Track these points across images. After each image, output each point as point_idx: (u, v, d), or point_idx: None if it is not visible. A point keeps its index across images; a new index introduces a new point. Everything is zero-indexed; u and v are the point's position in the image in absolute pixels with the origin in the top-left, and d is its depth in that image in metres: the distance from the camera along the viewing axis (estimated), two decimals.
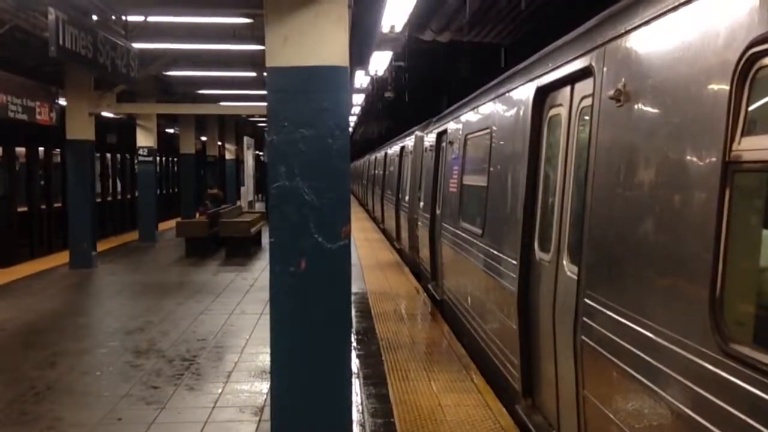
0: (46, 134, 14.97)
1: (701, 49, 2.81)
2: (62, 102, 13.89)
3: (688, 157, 2.85)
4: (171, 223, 20.11)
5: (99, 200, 18.54)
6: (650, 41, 3.31)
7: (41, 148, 17.82)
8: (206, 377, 6.57)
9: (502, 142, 6.32)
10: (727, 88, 2.57)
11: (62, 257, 14.14)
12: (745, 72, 2.51)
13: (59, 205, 17.80)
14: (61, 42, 7.89)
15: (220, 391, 6.16)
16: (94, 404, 5.85)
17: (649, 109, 3.28)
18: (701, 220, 2.70)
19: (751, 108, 2.52)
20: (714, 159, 2.63)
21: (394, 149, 18.52)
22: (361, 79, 16.08)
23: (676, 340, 2.81)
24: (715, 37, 2.71)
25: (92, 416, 5.56)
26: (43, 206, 17.93)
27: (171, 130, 26.57)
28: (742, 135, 2.52)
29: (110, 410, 5.68)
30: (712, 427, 2.52)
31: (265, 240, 15.42)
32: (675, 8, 3.04)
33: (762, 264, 2.58)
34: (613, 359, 3.38)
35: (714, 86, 2.69)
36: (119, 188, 23.84)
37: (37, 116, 12.75)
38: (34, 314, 9.42)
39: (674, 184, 2.97)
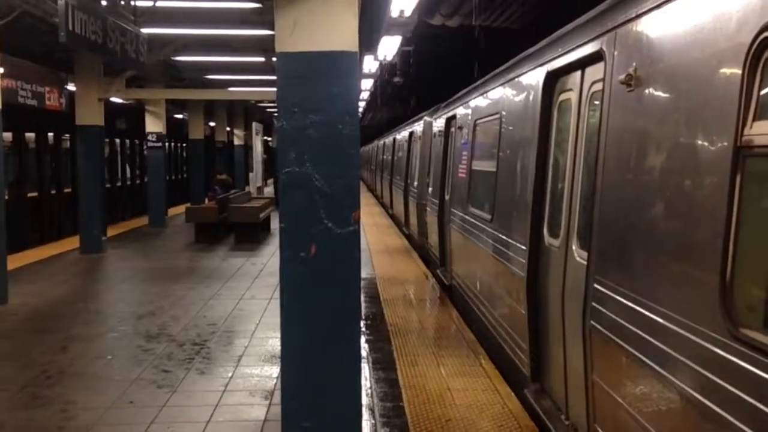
0: (56, 120, 15.02)
1: (713, 33, 2.79)
2: (72, 87, 13.92)
3: (700, 142, 2.84)
4: (180, 209, 20.19)
5: (108, 186, 18.65)
6: (661, 25, 3.29)
7: (51, 134, 17.91)
8: (216, 361, 6.62)
9: (511, 128, 6.31)
10: (739, 72, 2.55)
11: (72, 242, 14.23)
12: (757, 56, 2.49)
13: (69, 190, 17.91)
14: (71, 27, 7.90)
15: (230, 375, 6.20)
16: (106, 388, 5.91)
17: (661, 93, 3.26)
18: (712, 205, 2.69)
19: (763, 92, 2.51)
20: (725, 144, 2.62)
21: (402, 135, 18.49)
22: (370, 64, 16.03)
23: (686, 325, 2.81)
24: (727, 21, 2.69)
25: (104, 399, 5.62)
26: (54, 191, 18.05)
27: (180, 116, 26.61)
28: (754, 120, 2.51)
29: (122, 393, 5.74)
30: (721, 412, 2.53)
31: (274, 225, 15.47)
32: None
33: None
34: (623, 344, 3.39)
35: (726, 70, 2.68)
36: (128, 174, 23.95)
37: (47, 102, 12.80)
38: (45, 299, 9.50)
39: (685, 169, 2.96)
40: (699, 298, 2.74)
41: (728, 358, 2.50)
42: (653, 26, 3.37)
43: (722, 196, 2.61)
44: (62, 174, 18.64)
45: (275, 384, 5.87)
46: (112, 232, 16.01)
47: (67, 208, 17.50)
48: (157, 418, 5.23)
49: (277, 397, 5.31)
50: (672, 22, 3.17)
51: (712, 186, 2.72)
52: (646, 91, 3.36)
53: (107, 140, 18.76)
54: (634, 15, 3.56)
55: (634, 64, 3.48)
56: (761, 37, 2.46)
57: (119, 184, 22.85)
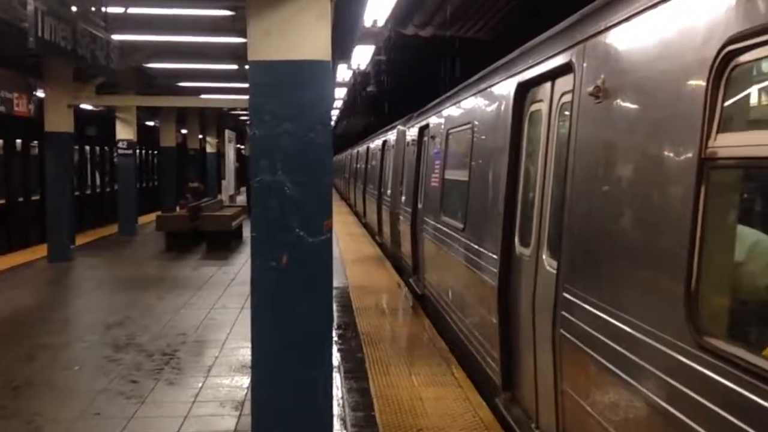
0: (25, 126, 14.81)
1: (679, 47, 2.85)
2: (41, 94, 13.74)
3: (665, 153, 2.89)
4: (151, 217, 19.98)
5: (78, 193, 18.41)
6: (629, 38, 3.34)
7: (19, 141, 17.64)
8: (186, 372, 6.55)
9: (483, 137, 6.35)
10: (704, 85, 2.61)
11: (40, 250, 14.00)
12: (721, 69, 2.55)
13: (38, 197, 17.63)
14: (40, 33, 7.80)
15: (200, 385, 6.14)
16: (73, 399, 5.82)
17: (628, 105, 3.32)
18: (677, 216, 2.74)
19: (726, 105, 2.56)
20: (690, 155, 2.67)
21: (376, 143, 18.52)
22: (343, 73, 16.07)
23: (652, 333, 2.85)
24: (693, 35, 2.74)
25: (71, 411, 5.53)
26: (21, 199, 17.76)
27: (151, 123, 26.37)
28: (718, 132, 2.56)
29: (89, 405, 5.66)
30: (687, 420, 2.57)
31: (247, 234, 15.36)
32: (654, 6, 3.08)
33: (736, 259, 2.63)
34: (591, 353, 3.42)
35: (691, 83, 2.73)
36: (98, 181, 23.65)
37: (15, 108, 12.62)
38: (11, 308, 9.33)
39: (651, 180, 3.01)
40: (665, 307, 2.78)
41: (693, 367, 2.54)
42: (621, 39, 3.43)
43: (687, 206, 2.65)
44: (31, 181, 18.36)
45: (246, 394, 5.82)
46: (81, 240, 15.78)
47: (36, 215, 17.21)
48: (124, 429, 5.16)
49: (248, 408, 5.27)
50: (639, 36, 3.23)
51: (678, 197, 2.76)
52: (614, 102, 3.42)
53: (77, 147, 18.52)
54: (602, 28, 3.62)
55: (602, 76, 3.54)
56: (725, 50, 2.51)
57: (89, 191, 22.56)
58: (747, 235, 2.69)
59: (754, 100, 2.60)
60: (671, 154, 2.85)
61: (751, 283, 2.73)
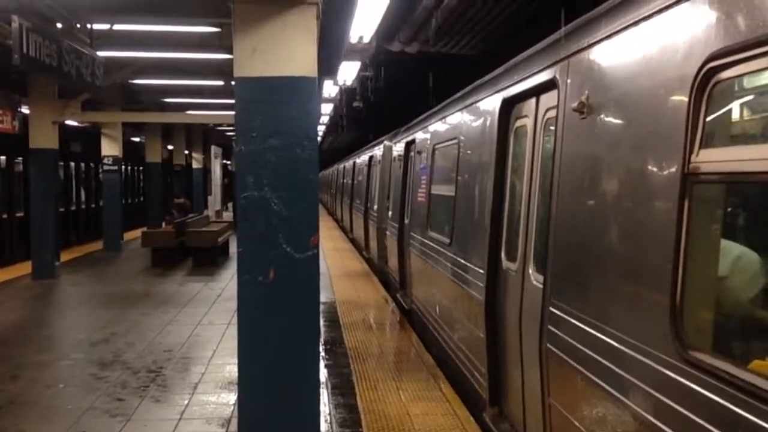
0: (9, 143, 14.72)
1: (661, 63, 2.89)
2: (25, 110, 13.67)
3: (649, 169, 2.92)
4: (136, 233, 19.86)
5: (63, 209, 18.28)
6: (612, 55, 3.38)
7: (3, 157, 17.52)
8: (172, 389, 6.50)
9: (469, 152, 6.39)
10: (686, 101, 2.64)
11: (24, 267, 13.88)
12: (703, 86, 2.58)
13: (21, 214, 17.50)
14: (24, 50, 7.78)
15: (186, 402, 6.10)
16: (58, 417, 5.75)
17: (612, 120, 3.35)
18: (661, 230, 2.76)
19: (708, 121, 2.59)
20: (673, 170, 2.70)
21: (362, 159, 18.56)
22: (329, 89, 16.10)
23: (637, 347, 2.86)
24: (675, 52, 2.78)
25: (56, 429, 5.47)
26: (5, 215, 17.61)
27: (137, 139, 26.28)
28: (701, 147, 2.59)
29: (74, 423, 5.59)
30: None
31: (233, 249, 15.32)
32: (636, 23, 3.12)
33: (719, 273, 2.65)
34: (578, 367, 3.43)
35: (673, 99, 2.77)
36: (83, 197, 23.51)
37: (0, 125, 12.54)
38: None
39: (635, 195, 3.04)
40: (650, 321, 2.80)
41: (679, 380, 2.55)
42: (604, 56, 3.47)
43: (671, 221, 2.68)
44: (15, 197, 18.22)
45: (232, 411, 5.78)
46: (65, 256, 15.67)
47: (20, 232, 17.07)
48: None
49: (234, 425, 5.24)
50: (622, 52, 3.27)
51: (662, 211, 2.79)
52: (598, 118, 3.45)
53: (62, 163, 18.42)
54: (586, 44, 3.66)
55: (586, 92, 3.57)
56: (707, 67, 2.55)
57: (74, 207, 22.41)
58: (731, 249, 2.72)
59: (735, 116, 2.64)
60: (655, 169, 2.88)
61: (736, 297, 2.75)
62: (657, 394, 2.70)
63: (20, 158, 17.90)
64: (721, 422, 2.32)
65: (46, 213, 13.23)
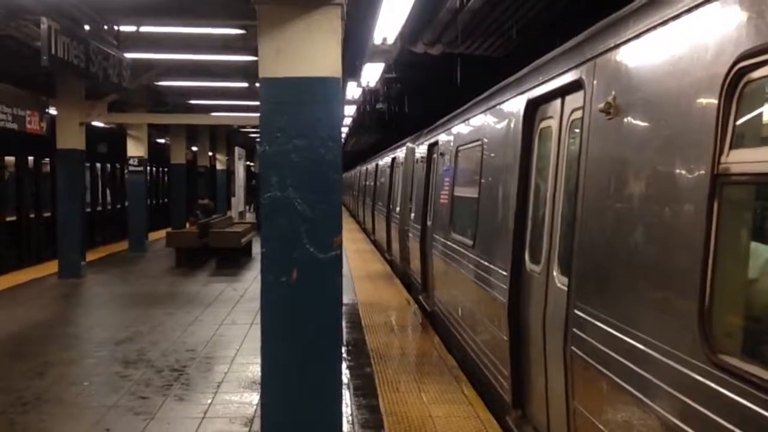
0: (37, 143, 14.93)
1: (690, 63, 2.85)
2: (53, 111, 13.85)
3: (677, 170, 2.89)
4: (161, 233, 20.04)
5: (89, 210, 18.51)
6: (640, 55, 3.35)
7: (31, 158, 17.79)
8: (196, 388, 6.54)
9: (493, 154, 6.36)
10: (716, 101, 2.60)
11: (51, 267, 14.05)
12: (733, 86, 2.54)
13: (48, 214, 17.75)
14: (53, 51, 7.89)
15: (209, 401, 6.13)
16: (83, 415, 5.81)
17: (639, 122, 3.31)
18: (690, 232, 2.73)
19: (739, 122, 2.55)
20: (702, 172, 2.66)
21: (385, 160, 18.56)
22: (353, 91, 16.12)
23: (665, 351, 2.83)
24: (704, 52, 2.74)
25: (80, 427, 5.53)
26: (32, 215, 17.88)
27: (162, 140, 26.53)
28: (731, 148, 2.55)
29: (98, 420, 5.65)
30: None
31: (256, 250, 15.39)
32: (664, 23, 3.08)
33: (750, 275, 2.61)
34: (603, 370, 3.40)
35: (703, 100, 2.73)
36: (109, 198, 23.79)
37: (28, 125, 12.71)
38: (22, 324, 9.36)
39: (663, 197, 3.00)
40: (678, 325, 2.76)
41: (707, 384, 2.52)
42: (631, 56, 3.43)
43: (700, 223, 2.64)
44: (42, 198, 18.48)
45: (255, 410, 5.80)
46: (91, 256, 15.84)
47: (47, 232, 17.31)
48: None
49: (257, 424, 5.25)
50: (650, 52, 3.23)
51: (690, 213, 2.75)
52: (625, 119, 3.41)
53: (88, 164, 18.64)
54: (612, 45, 3.63)
55: (612, 92, 3.54)
56: (737, 67, 2.51)
57: (99, 208, 22.68)
58: (761, 251, 2.67)
59: (766, 116, 2.59)
60: (683, 171, 2.84)
61: (766, 300, 2.70)
62: (684, 398, 2.66)
63: (47, 159, 18.17)
64: (751, 427, 2.28)
65: (72, 213, 13.39)
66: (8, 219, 16.83)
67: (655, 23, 3.16)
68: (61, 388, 6.53)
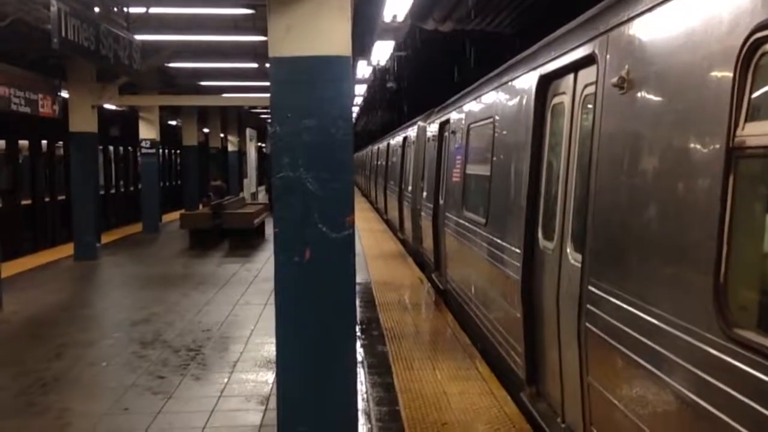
0: (50, 127, 15.00)
1: (704, 36, 2.81)
2: (65, 94, 13.90)
3: (692, 144, 2.86)
4: (174, 215, 20.15)
5: (102, 192, 18.62)
6: (653, 28, 3.30)
7: (44, 141, 17.88)
8: (212, 367, 6.60)
9: (504, 132, 6.32)
10: (731, 74, 2.57)
11: (67, 249, 14.18)
12: (748, 58, 2.51)
13: (63, 197, 17.87)
14: (63, 34, 7.89)
15: (226, 380, 6.19)
16: (101, 394, 5.89)
17: (653, 96, 3.28)
18: (705, 207, 2.71)
19: (754, 94, 2.52)
20: (718, 145, 2.64)
21: (396, 140, 18.51)
22: (363, 70, 16.05)
23: (680, 326, 2.82)
24: (719, 23, 2.70)
25: (99, 406, 5.60)
26: (47, 199, 18.01)
27: (173, 122, 26.57)
28: (746, 121, 2.52)
29: (117, 400, 5.72)
30: (716, 412, 2.54)
31: (269, 231, 15.44)
32: None
33: (765, 249, 2.59)
34: (618, 346, 3.40)
35: (717, 72, 2.69)
36: (122, 180, 23.90)
37: (40, 109, 12.75)
38: (39, 306, 9.47)
39: (678, 171, 2.97)
40: (693, 299, 2.75)
41: (722, 358, 2.51)
42: (645, 29, 3.39)
43: (715, 197, 2.62)
44: (56, 181, 18.60)
45: (271, 389, 5.86)
46: (106, 238, 15.97)
47: (61, 215, 17.43)
48: (152, 424, 5.21)
49: (273, 402, 5.30)
50: (663, 25, 3.19)
51: (705, 187, 2.73)
52: (639, 93, 3.38)
53: (101, 147, 18.72)
54: (625, 18, 3.58)
55: (626, 66, 3.50)
56: (752, 38, 2.47)
57: (113, 190, 22.81)
58: None
59: None
60: (698, 145, 2.81)
61: None
62: (699, 372, 2.66)
63: (60, 142, 18.25)
64: (766, 400, 2.27)
65: (86, 196, 13.48)
66: (24, 203, 16.95)
67: None
68: (80, 369, 6.62)
